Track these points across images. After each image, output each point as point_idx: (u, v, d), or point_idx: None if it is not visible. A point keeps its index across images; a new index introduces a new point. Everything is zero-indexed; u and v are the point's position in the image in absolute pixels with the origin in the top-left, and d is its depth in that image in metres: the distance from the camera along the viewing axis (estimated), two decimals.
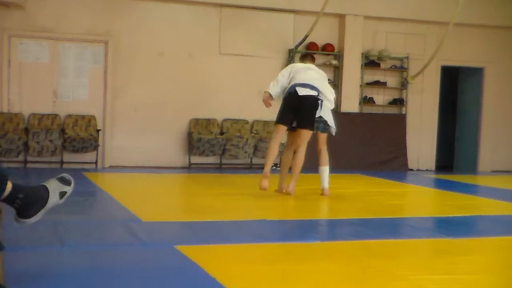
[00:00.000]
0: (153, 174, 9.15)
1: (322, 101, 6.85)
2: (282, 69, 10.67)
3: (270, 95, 6.93)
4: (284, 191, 6.89)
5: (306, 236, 4.64)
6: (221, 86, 10.56)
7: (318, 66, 7.52)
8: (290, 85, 6.81)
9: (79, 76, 9.96)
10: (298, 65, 7.08)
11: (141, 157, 10.15)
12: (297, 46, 10.75)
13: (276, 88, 6.90)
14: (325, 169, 7.04)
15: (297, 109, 6.74)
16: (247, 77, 10.67)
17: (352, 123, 10.98)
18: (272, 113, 10.82)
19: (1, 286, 2.86)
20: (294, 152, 6.92)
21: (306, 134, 6.78)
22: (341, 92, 11.07)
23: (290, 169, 7.03)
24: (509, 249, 4.59)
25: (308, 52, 8.08)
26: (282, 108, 6.89)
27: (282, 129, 6.86)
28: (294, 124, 6.89)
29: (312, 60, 7.29)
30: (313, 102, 6.75)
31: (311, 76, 6.85)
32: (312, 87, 6.74)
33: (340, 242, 4.53)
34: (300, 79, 6.79)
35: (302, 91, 6.70)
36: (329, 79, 10.89)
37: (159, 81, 10.25)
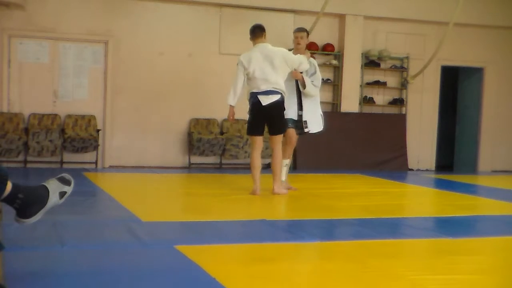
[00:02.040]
0: (153, 174, 9.14)
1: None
2: None
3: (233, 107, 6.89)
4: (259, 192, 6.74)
5: (306, 236, 4.64)
6: (221, 86, 10.52)
7: (318, 66, 7.47)
8: (251, 91, 6.71)
9: (79, 76, 9.96)
10: (249, 59, 6.66)
11: (141, 157, 10.15)
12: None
13: (235, 97, 6.81)
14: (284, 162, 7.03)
15: (265, 118, 6.72)
16: None
17: (352, 123, 10.99)
18: None
19: (1, 286, 2.86)
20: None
21: (278, 138, 6.79)
22: (341, 92, 11.08)
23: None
24: (509, 249, 4.59)
25: (255, 26, 6.97)
26: (250, 119, 6.84)
27: (258, 139, 6.84)
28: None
29: (261, 34, 6.86)
30: (279, 107, 6.67)
31: (269, 76, 6.59)
32: (274, 92, 6.61)
33: (340, 242, 4.53)
34: (259, 83, 6.61)
35: (265, 100, 6.61)
36: (328, 79, 11.02)
37: (159, 81, 10.25)
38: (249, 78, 6.72)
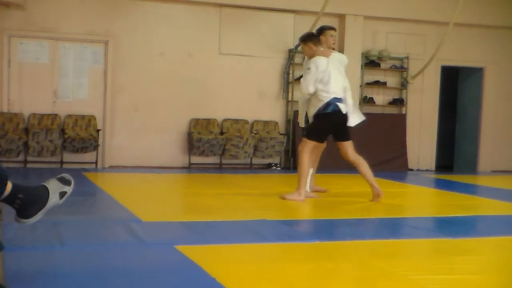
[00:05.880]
0: (153, 174, 9.15)
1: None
2: (282, 69, 10.83)
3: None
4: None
5: (306, 236, 4.64)
6: (221, 86, 10.56)
7: None
8: (332, 98, 6.35)
9: (79, 76, 9.96)
10: (327, 62, 6.41)
11: (141, 157, 10.15)
12: (297, 46, 10.74)
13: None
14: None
15: (340, 126, 6.54)
16: (247, 77, 10.68)
17: None
18: (271, 113, 10.88)
19: (1, 286, 2.86)
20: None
21: (350, 144, 6.65)
22: None
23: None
24: (509, 249, 4.59)
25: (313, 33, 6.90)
26: (325, 125, 6.51)
27: (317, 145, 6.64)
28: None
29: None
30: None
31: (344, 82, 6.53)
32: (345, 100, 6.52)
33: (340, 242, 4.52)
34: (338, 89, 6.41)
35: (344, 109, 6.45)
36: None
37: (159, 81, 10.25)
38: (328, 80, 6.36)
